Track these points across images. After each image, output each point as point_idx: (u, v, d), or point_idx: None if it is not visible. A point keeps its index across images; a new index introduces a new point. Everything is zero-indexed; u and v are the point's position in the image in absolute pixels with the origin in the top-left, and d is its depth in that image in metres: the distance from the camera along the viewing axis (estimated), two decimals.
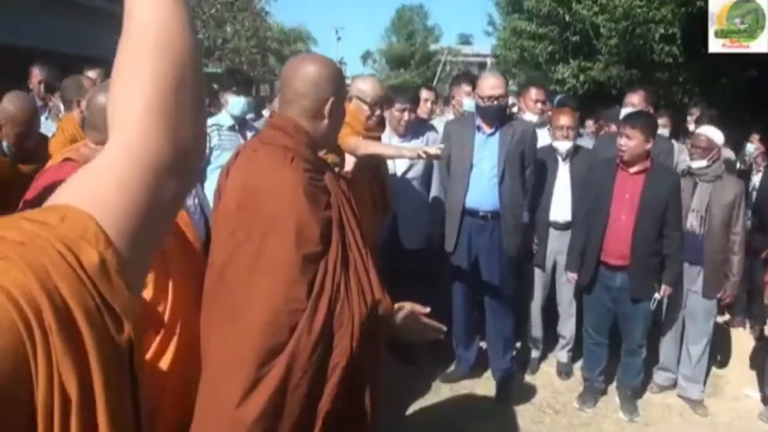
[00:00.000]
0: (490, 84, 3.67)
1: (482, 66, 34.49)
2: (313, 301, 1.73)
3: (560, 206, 4.16)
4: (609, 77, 10.40)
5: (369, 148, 3.08)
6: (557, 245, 4.18)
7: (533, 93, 4.65)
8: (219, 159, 3.55)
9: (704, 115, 5.56)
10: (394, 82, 33.15)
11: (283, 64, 2.20)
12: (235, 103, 3.80)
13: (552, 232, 4.21)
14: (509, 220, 3.75)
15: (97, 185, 0.66)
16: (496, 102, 3.65)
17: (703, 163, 3.83)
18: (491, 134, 3.76)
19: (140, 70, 0.71)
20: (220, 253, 1.82)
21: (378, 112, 3.21)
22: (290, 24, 33.18)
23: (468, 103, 4.48)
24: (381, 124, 3.32)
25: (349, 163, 3.10)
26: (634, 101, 4.69)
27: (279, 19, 33.46)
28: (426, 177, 4.15)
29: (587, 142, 4.87)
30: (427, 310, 2.00)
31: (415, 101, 4.17)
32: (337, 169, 2.67)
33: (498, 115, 3.73)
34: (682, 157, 5.04)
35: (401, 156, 3.23)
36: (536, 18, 11.51)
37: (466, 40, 48.17)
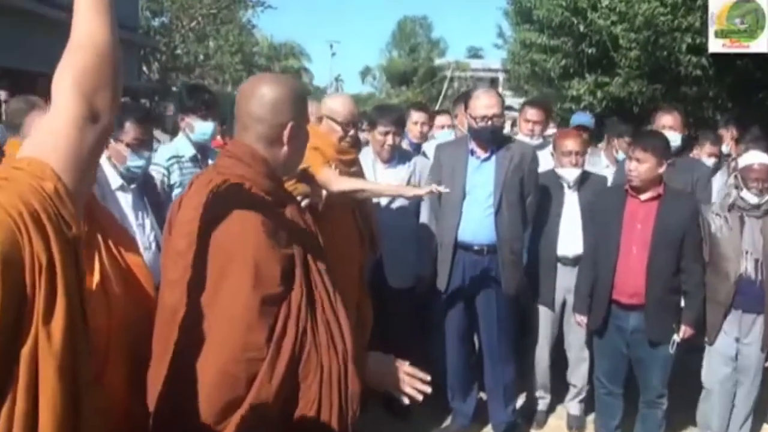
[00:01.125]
0: (484, 103, 3.69)
1: (493, 82, 34.82)
2: (275, 347, 1.72)
3: (569, 239, 4.10)
4: (629, 93, 10.43)
5: (342, 184, 3.09)
6: (566, 282, 4.12)
7: (527, 113, 4.70)
8: None
9: (751, 135, 5.48)
10: (396, 101, 33.44)
11: None
12: (203, 129, 3.70)
13: (560, 268, 4.15)
14: (507, 255, 3.75)
15: (45, 141, 1.21)
16: (490, 123, 3.67)
17: (766, 197, 3.73)
18: (486, 159, 3.78)
19: (72, 59, 1.25)
20: (172, 295, 1.83)
21: (351, 132, 3.23)
22: (280, 38, 33.61)
23: None
24: (355, 146, 3.34)
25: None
26: (668, 123, 4.52)
27: (267, 33, 33.95)
28: (414, 207, 4.11)
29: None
30: (406, 364, 1.97)
31: (401, 123, 4.19)
32: (305, 201, 2.71)
33: (493, 138, 3.75)
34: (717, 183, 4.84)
35: (380, 194, 3.23)
36: (547, 29, 11.58)
37: (475, 53, 48.75)
